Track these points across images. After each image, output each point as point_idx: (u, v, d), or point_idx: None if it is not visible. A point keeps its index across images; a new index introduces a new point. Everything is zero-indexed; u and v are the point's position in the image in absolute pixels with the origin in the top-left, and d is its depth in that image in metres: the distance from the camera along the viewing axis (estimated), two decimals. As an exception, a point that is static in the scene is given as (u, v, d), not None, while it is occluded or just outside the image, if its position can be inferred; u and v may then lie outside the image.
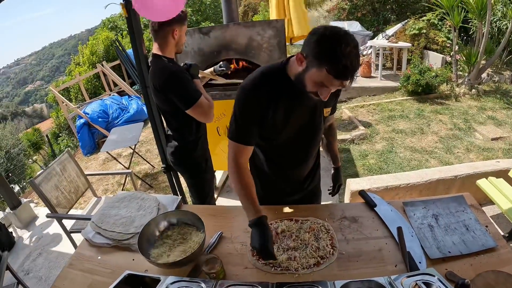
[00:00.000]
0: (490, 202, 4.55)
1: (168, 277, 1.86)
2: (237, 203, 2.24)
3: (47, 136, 14.48)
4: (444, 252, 2.09)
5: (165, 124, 3.47)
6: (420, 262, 2.03)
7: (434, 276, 1.75)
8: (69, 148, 9.62)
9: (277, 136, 2.23)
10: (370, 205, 2.51)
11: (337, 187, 2.88)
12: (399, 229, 2.20)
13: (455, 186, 4.78)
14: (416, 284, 1.71)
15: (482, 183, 4.52)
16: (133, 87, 13.38)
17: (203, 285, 1.80)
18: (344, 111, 8.99)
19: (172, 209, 2.59)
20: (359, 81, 10.62)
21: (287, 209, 2.52)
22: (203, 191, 3.67)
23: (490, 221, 2.43)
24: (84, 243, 2.42)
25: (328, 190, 2.93)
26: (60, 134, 13.39)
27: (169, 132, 3.43)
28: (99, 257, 2.27)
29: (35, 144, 14.66)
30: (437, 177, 4.74)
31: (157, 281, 1.85)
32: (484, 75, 10.03)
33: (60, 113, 12.97)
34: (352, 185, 4.67)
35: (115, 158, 7.33)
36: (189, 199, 3.98)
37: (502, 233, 4.46)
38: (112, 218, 2.49)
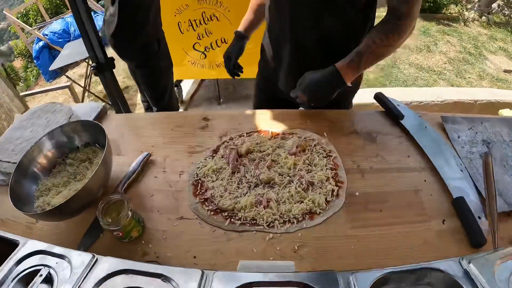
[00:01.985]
0: None
1: (28, 241, 1.02)
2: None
3: (3, 67, 13.76)
4: (510, 202, 1.33)
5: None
6: (479, 217, 1.25)
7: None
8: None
9: None
10: (394, 115, 1.58)
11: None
12: (486, 156, 1.37)
13: (473, 112, 3.93)
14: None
15: (505, 113, 3.72)
16: (100, 2, 12.34)
17: (73, 261, 0.90)
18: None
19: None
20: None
21: (262, 113, 1.67)
22: (158, 84, 2.98)
23: None
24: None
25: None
26: (29, 66, 12.61)
27: (110, 7, 2.61)
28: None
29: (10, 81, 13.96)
30: (455, 98, 3.96)
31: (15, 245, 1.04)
32: (494, 5, 9.45)
33: (21, 40, 12.13)
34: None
35: (68, 78, 6.18)
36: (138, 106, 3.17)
37: None
38: (13, 143, 1.74)
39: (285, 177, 1.24)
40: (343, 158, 1.35)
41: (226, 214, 1.18)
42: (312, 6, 1.47)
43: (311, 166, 1.29)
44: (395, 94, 3.77)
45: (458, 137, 1.56)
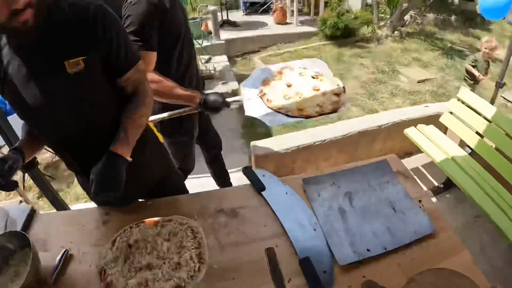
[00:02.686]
0: (420, 150, 4.13)
1: None
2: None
3: None
4: (361, 251, 1.61)
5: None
6: (325, 272, 1.53)
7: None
8: None
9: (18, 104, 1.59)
10: (257, 188, 1.92)
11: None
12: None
13: (380, 137, 4.32)
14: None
15: (410, 132, 4.11)
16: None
17: None
18: (256, 61, 8.41)
19: (21, 223, 1.98)
20: (273, 29, 9.93)
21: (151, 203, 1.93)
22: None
23: (424, 192, 2.02)
24: None
25: None
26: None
27: None
28: None
29: None
30: (358, 129, 4.16)
31: None
32: (407, 17, 9.96)
33: None
34: (257, 149, 3.83)
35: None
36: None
37: (437, 184, 4.27)
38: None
39: (160, 261, 1.54)
40: (208, 236, 1.66)
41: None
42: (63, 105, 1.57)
43: (181, 248, 1.59)
44: (299, 137, 4.03)
45: (319, 196, 1.86)
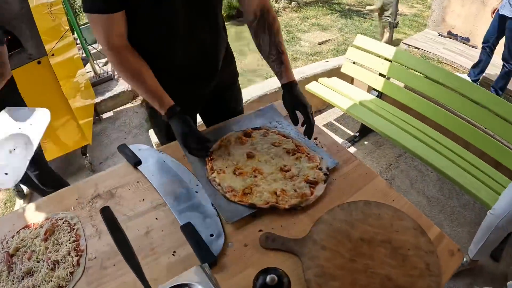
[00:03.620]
0: (331, 105, 4.25)
1: None
2: None
3: None
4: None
5: None
6: (212, 235, 1.42)
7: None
8: None
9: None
10: (133, 163, 1.80)
11: (307, 117, 1.78)
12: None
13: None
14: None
15: (312, 86, 4.17)
16: None
17: None
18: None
19: None
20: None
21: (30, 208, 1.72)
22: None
23: (320, 129, 1.98)
24: None
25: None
26: None
27: None
28: None
29: None
30: (257, 94, 4.19)
31: None
32: None
33: None
34: (153, 135, 3.76)
35: None
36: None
37: (352, 133, 4.35)
38: None
39: (40, 263, 1.41)
40: (86, 225, 1.54)
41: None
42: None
43: (59, 245, 1.47)
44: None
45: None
